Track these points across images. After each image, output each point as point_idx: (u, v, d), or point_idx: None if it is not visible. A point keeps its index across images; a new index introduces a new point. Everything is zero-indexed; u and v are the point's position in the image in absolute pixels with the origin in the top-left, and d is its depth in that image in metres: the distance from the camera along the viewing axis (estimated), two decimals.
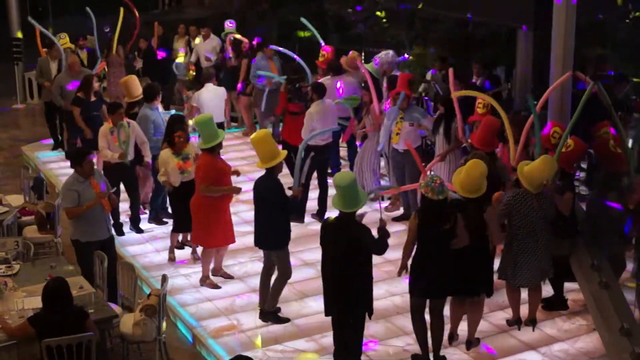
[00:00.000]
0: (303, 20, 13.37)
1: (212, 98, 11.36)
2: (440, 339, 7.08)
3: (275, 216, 7.66)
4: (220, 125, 10.71)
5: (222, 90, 11.62)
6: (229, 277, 8.81)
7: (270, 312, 7.88)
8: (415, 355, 7.18)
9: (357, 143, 11.22)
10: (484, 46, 13.83)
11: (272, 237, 7.76)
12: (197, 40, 15.69)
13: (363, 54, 14.70)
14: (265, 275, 7.94)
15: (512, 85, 12.57)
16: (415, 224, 6.84)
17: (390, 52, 11.56)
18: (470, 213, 6.93)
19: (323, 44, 12.75)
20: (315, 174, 10.28)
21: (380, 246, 6.71)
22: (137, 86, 10.78)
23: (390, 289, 8.35)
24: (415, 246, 6.93)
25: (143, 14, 17.15)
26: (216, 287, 8.61)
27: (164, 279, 7.15)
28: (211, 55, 14.58)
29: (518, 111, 10.19)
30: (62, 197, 7.82)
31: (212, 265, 8.77)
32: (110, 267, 7.59)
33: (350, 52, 12.35)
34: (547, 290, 8.00)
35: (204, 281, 8.67)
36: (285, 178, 8.78)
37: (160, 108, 10.56)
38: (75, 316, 6.28)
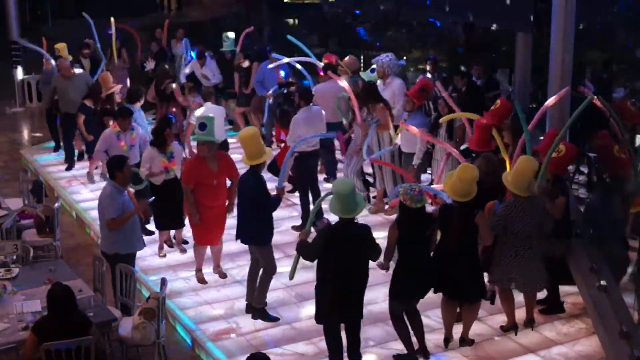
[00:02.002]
0: (290, 37, 13.34)
1: None
2: (423, 334, 7.18)
3: (255, 211, 7.74)
4: (223, 145, 10.68)
5: (221, 110, 11.46)
6: (223, 276, 8.90)
7: (258, 309, 7.90)
8: (398, 356, 7.22)
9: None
10: (483, 49, 13.88)
11: (252, 232, 7.84)
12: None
13: (362, 57, 14.74)
14: (253, 269, 8.04)
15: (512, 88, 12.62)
16: (395, 234, 6.91)
17: (390, 55, 11.58)
18: (460, 217, 6.97)
19: (314, 59, 12.75)
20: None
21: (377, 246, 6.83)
22: (110, 79, 11.72)
23: (387, 292, 8.33)
24: (396, 252, 7.02)
25: (143, 18, 17.19)
26: (202, 282, 8.78)
27: (163, 282, 7.15)
28: (211, 77, 14.50)
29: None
30: (106, 208, 7.64)
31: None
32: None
33: (349, 56, 12.39)
34: (543, 292, 8.01)
35: (195, 273, 8.87)
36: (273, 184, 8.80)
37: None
38: (79, 324, 6.26)
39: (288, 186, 10.85)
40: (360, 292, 6.76)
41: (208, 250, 8.95)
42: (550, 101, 8.75)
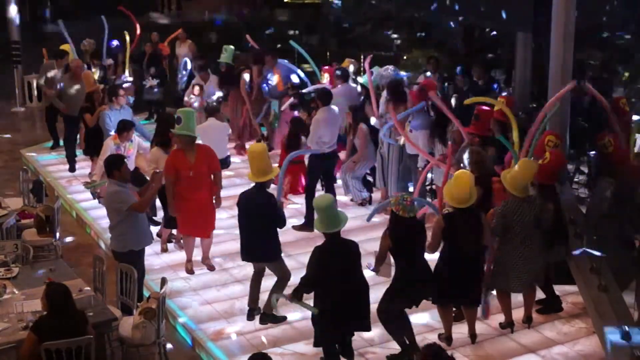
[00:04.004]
0: (292, 43, 13.34)
1: (213, 132, 10.86)
2: (412, 333, 7.21)
3: (269, 229, 7.73)
4: (224, 161, 10.70)
5: (224, 126, 11.34)
6: (211, 268, 9.05)
7: (268, 315, 7.90)
8: (392, 356, 7.25)
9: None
10: (483, 50, 13.89)
11: (267, 250, 7.81)
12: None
13: (362, 57, 14.71)
14: (257, 276, 8.02)
15: (512, 88, 12.64)
16: (386, 244, 6.94)
17: (390, 67, 11.60)
18: (465, 223, 7.01)
19: (315, 68, 12.83)
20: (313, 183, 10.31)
21: None
22: (92, 78, 12.21)
23: None
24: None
25: (142, 18, 17.21)
26: (190, 272, 8.97)
27: (164, 282, 7.16)
28: (213, 91, 14.49)
29: (516, 114, 10.22)
30: (121, 202, 7.66)
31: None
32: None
33: (346, 60, 12.48)
34: (541, 292, 8.02)
35: (185, 264, 9.08)
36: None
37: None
38: (77, 322, 6.27)
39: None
40: (359, 306, 6.77)
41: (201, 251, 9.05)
42: (558, 95, 8.67)
